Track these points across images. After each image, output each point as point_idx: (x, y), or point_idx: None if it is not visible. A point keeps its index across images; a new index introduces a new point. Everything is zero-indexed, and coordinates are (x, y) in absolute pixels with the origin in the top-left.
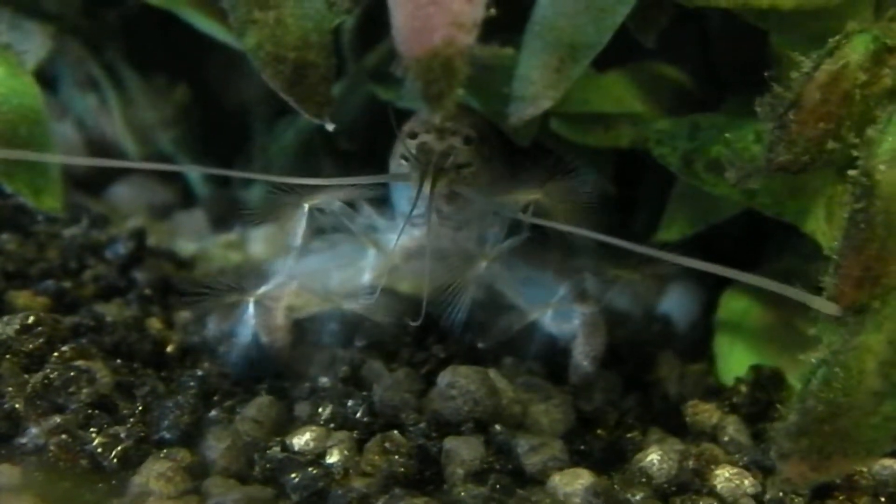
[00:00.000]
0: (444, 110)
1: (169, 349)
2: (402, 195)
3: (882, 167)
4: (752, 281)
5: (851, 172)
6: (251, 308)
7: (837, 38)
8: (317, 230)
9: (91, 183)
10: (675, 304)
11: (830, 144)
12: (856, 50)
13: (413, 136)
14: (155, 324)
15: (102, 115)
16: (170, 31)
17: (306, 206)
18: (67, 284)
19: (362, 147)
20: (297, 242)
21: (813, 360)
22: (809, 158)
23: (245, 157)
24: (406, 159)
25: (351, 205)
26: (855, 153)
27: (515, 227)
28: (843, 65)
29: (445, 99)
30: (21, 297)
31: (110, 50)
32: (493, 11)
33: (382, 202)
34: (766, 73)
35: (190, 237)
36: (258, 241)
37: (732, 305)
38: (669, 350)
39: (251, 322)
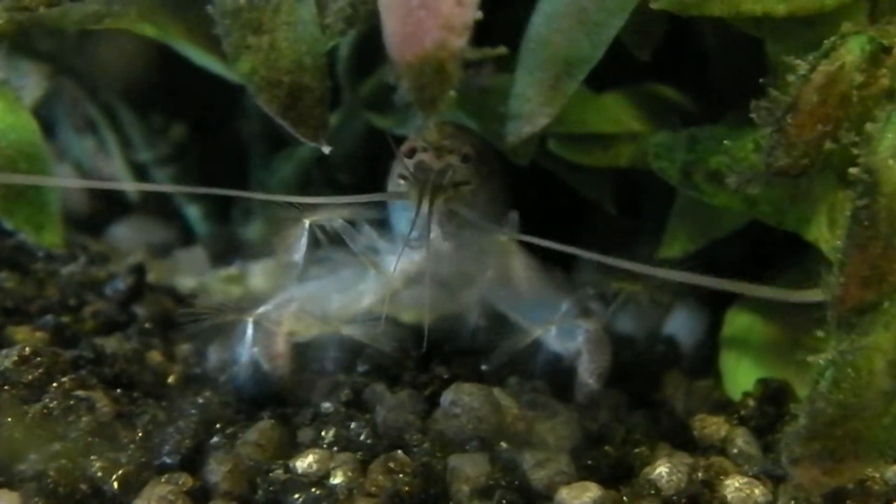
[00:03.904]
0: (438, 115)
1: (170, 380)
2: (402, 216)
3: (884, 163)
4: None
5: (852, 170)
6: (250, 328)
7: (833, 39)
8: (315, 257)
9: (90, 223)
10: (681, 324)
11: (829, 146)
12: (851, 51)
13: (410, 154)
14: (155, 356)
15: (100, 158)
16: (166, 69)
17: (307, 222)
18: (66, 319)
19: (361, 179)
20: (298, 259)
21: (821, 362)
22: (809, 161)
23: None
24: (404, 178)
25: (352, 225)
26: (855, 152)
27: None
28: (840, 66)
29: (438, 103)
30: (20, 333)
31: (107, 89)
32: (480, 15)
33: (383, 225)
34: (760, 80)
35: (190, 273)
36: (258, 275)
37: (738, 322)
38: (675, 370)
39: (250, 344)
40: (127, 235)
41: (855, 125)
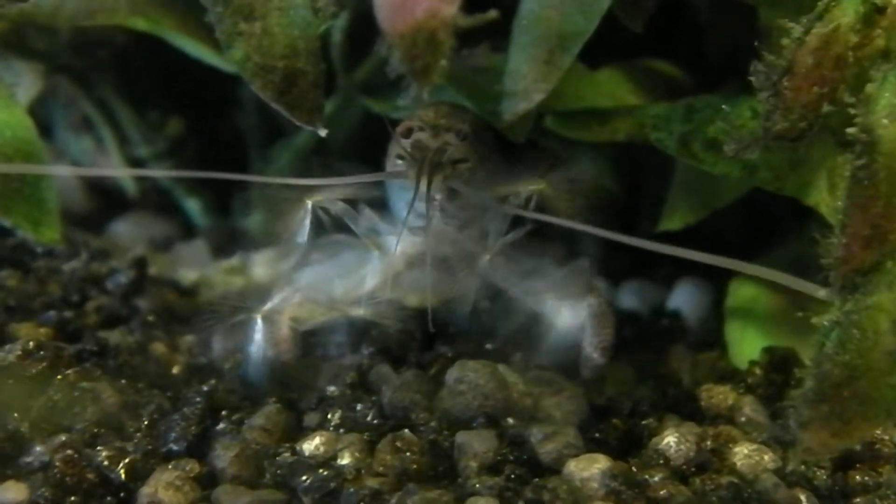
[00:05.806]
0: (431, 85)
1: (174, 370)
2: (400, 198)
3: (882, 122)
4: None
5: (850, 130)
6: (259, 324)
7: (826, 1)
8: (317, 242)
9: (91, 221)
10: (685, 298)
11: (827, 108)
12: (846, 12)
13: (407, 134)
14: (159, 348)
15: (98, 155)
16: (161, 64)
17: (310, 203)
18: (69, 315)
19: (359, 166)
20: (302, 241)
21: (826, 324)
22: (807, 125)
23: (242, 183)
24: (401, 158)
25: (352, 206)
26: (853, 112)
27: (517, 220)
28: (834, 27)
29: (431, 73)
30: (23, 329)
31: (102, 86)
32: None
33: (383, 207)
34: (755, 44)
35: (191, 266)
36: (260, 265)
37: (742, 292)
38: (681, 343)
39: (258, 337)
40: (127, 231)
41: (851, 86)
